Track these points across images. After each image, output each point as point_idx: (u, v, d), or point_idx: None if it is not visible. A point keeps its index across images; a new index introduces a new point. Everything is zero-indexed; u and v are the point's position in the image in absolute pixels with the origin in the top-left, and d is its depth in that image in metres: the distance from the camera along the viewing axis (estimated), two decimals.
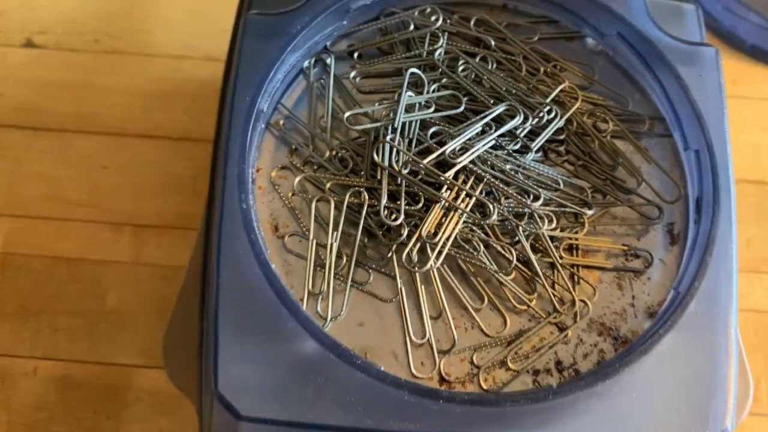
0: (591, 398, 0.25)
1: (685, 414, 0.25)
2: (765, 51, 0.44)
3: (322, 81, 0.33)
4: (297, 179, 0.30)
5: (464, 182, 0.29)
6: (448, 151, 0.29)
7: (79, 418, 0.36)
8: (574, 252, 0.30)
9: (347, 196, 0.29)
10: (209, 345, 0.26)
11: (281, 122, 0.32)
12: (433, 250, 0.28)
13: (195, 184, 0.41)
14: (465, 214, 0.29)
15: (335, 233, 0.29)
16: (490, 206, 0.29)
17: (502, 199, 0.29)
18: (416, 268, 0.28)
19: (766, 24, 0.44)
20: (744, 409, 0.31)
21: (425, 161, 0.29)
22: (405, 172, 0.29)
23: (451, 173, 0.29)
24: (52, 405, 0.36)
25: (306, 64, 0.33)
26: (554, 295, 0.29)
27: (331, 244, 0.29)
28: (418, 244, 0.28)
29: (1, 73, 0.43)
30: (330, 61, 0.33)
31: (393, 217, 0.29)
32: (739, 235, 0.39)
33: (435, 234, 0.28)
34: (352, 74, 0.32)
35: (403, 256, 0.28)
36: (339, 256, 0.30)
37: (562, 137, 0.31)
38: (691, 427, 0.25)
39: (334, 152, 0.31)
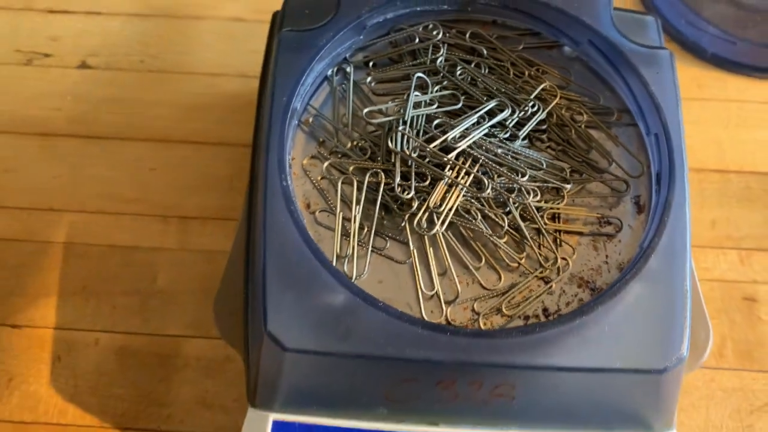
0: (571, 331, 0.31)
1: (648, 342, 0.31)
2: (724, 59, 0.50)
3: (344, 86, 0.39)
4: (325, 165, 0.36)
5: (463, 163, 0.35)
6: (449, 138, 0.35)
7: (135, 382, 0.41)
8: (557, 219, 0.36)
9: (367, 177, 0.35)
10: (258, 295, 0.32)
11: (310, 120, 0.38)
12: (438, 218, 0.34)
13: (231, 181, 0.47)
14: (465, 189, 0.35)
15: (358, 207, 0.35)
16: (486, 182, 0.34)
17: (495, 176, 0.35)
18: (425, 233, 0.34)
19: (723, 36, 0.50)
20: (705, 350, 0.36)
21: (431, 146, 0.35)
22: (414, 155, 0.35)
23: (452, 155, 0.35)
24: (111, 371, 0.42)
25: (330, 72, 0.39)
26: (540, 255, 0.34)
27: (354, 217, 0.35)
28: (427, 214, 0.34)
29: (59, 91, 0.50)
30: (350, 69, 0.39)
31: (405, 192, 0.35)
32: (704, 217, 0.46)
33: (440, 205, 0.34)
34: (368, 79, 0.39)
35: (415, 223, 0.34)
36: (361, 227, 0.35)
37: (544, 127, 0.37)
38: (653, 351, 0.31)
39: (355, 143, 0.37)
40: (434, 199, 0.34)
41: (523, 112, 0.37)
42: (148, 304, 0.43)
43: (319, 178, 0.36)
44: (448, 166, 0.35)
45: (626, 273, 0.32)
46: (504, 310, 0.33)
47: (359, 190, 0.35)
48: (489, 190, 0.34)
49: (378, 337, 0.31)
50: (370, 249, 0.35)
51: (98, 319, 0.43)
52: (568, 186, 0.35)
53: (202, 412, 0.40)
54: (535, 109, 0.37)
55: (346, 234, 0.35)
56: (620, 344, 0.31)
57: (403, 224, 0.35)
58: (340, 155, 0.37)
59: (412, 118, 0.36)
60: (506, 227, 0.34)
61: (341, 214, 0.35)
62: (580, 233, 0.35)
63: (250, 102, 0.47)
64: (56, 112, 0.49)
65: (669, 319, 0.31)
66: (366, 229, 0.35)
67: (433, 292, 0.34)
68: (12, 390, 0.41)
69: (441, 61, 0.38)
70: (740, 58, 0.50)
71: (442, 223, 0.34)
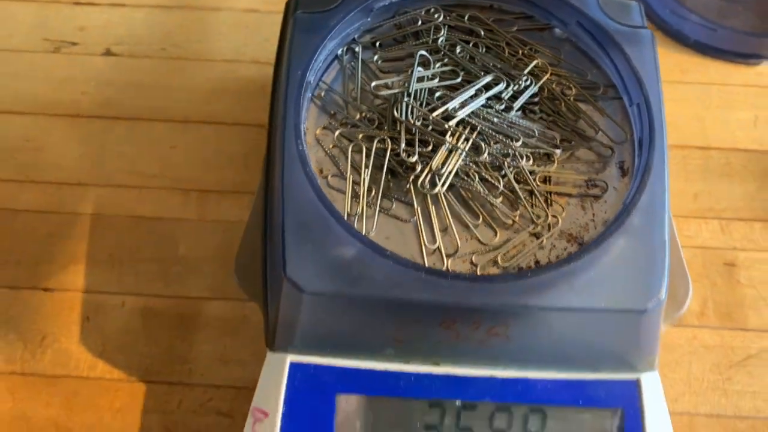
0: (560, 276, 0.34)
1: (630, 286, 0.34)
2: (706, 45, 0.54)
3: (352, 64, 0.42)
4: (336, 133, 0.40)
5: (463, 130, 0.38)
6: (450, 108, 0.39)
7: (158, 340, 0.44)
8: (548, 182, 0.39)
9: (375, 144, 0.39)
10: (278, 246, 0.35)
11: (322, 94, 0.41)
12: (440, 179, 0.38)
13: (247, 159, 0.50)
14: (464, 153, 0.38)
15: (366, 171, 0.38)
16: (483, 146, 0.38)
17: (492, 142, 0.39)
18: (428, 192, 0.37)
19: (705, 23, 0.54)
20: (685, 303, 0.39)
21: (433, 115, 0.39)
22: (418, 124, 0.39)
23: (453, 123, 0.38)
24: (137, 330, 0.45)
25: (339, 51, 0.42)
26: (533, 213, 0.38)
27: (363, 180, 0.38)
28: (429, 175, 0.38)
29: (85, 77, 0.53)
30: (358, 49, 0.42)
31: (410, 157, 0.38)
32: (687, 190, 0.49)
33: (441, 168, 0.38)
34: (375, 57, 0.42)
35: (419, 184, 0.37)
36: (369, 190, 0.39)
37: (536, 99, 0.41)
38: (635, 294, 0.34)
39: (363, 114, 0.40)
40: (436, 162, 0.38)
41: (517, 86, 0.40)
42: (170, 270, 0.46)
43: (330, 146, 0.40)
44: (449, 133, 0.38)
45: (611, 226, 0.35)
46: (500, 261, 0.37)
47: (367, 156, 0.39)
48: (486, 155, 0.38)
49: (386, 282, 0.34)
50: (377, 209, 0.38)
51: (124, 283, 0.46)
52: (558, 151, 0.39)
53: (220, 366, 0.44)
54: (528, 83, 0.40)
55: (356, 196, 0.38)
56: (605, 288, 0.34)
57: (407, 186, 0.38)
58: (349, 125, 0.40)
59: (416, 91, 0.40)
60: (501, 188, 0.38)
61: (351, 177, 0.38)
62: (569, 195, 0.39)
63: (264, 86, 0.51)
64: (83, 95, 0.53)
65: (649, 267, 0.34)
66: (374, 191, 0.38)
67: (435, 246, 0.37)
68: (45, 348, 0.44)
69: (442, 41, 0.42)
70: (721, 45, 0.54)
71: (443, 183, 0.37)
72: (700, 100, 0.52)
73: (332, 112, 0.41)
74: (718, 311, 0.45)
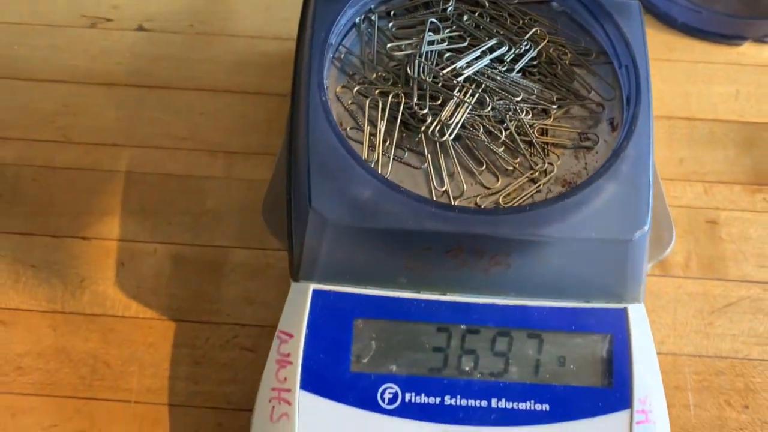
0: (556, 210, 0.38)
1: (618, 220, 0.38)
2: (692, 27, 0.58)
3: (369, 30, 0.46)
4: (354, 90, 0.44)
5: (470, 86, 0.43)
6: (457, 67, 0.43)
7: (188, 284, 0.48)
8: (545, 134, 0.43)
9: (389, 98, 0.43)
10: (304, 184, 0.39)
11: (342, 56, 0.45)
12: (448, 129, 0.42)
13: (269, 124, 0.54)
14: (470, 107, 0.42)
15: (382, 122, 0.43)
16: (487, 100, 0.42)
17: (495, 97, 0.43)
18: (437, 140, 0.41)
19: (691, 6, 0.58)
20: (669, 245, 0.43)
21: (443, 72, 0.43)
22: (429, 80, 0.43)
23: (460, 79, 0.43)
24: (168, 275, 0.49)
25: (357, 20, 0.46)
26: (531, 161, 0.42)
27: (379, 130, 0.43)
28: (439, 126, 0.42)
29: (119, 49, 0.58)
30: (374, 17, 0.47)
31: (421, 110, 0.42)
32: (673, 156, 0.53)
33: (450, 119, 0.42)
34: (390, 25, 0.46)
35: (429, 132, 0.41)
36: (384, 140, 0.43)
37: (535, 63, 0.45)
38: (621, 225, 0.38)
39: (379, 74, 0.45)
40: (445, 114, 0.42)
41: (518, 50, 0.45)
42: (199, 221, 0.50)
43: (349, 102, 0.44)
44: (457, 89, 0.42)
45: (601, 168, 0.39)
46: (501, 202, 0.41)
47: (383, 110, 0.43)
48: (489, 108, 0.42)
49: (400, 214, 0.38)
50: (392, 157, 0.42)
51: (156, 233, 0.50)
52: (555, 106, 0.43)
53: (245, 307, 0.47)
54: (528, 47, 0.45)
55: (372, 146, 0.42)
56: (595, 221, 0.38)
57: (419, 138, 0.42)
58: (366, 84, 0.44)
59: (427, 52, 0.44)
60: (503, 138, 0.42)
61: (368, 129, 0.42)
62: (564, 146, 0.43)
63: (284, 60, 0.55)
64: (117, 66, 0.57)
65: (635, 203, 0.39)
66: (388, 142, 0.42)
67: (443, 189, 0.41)
68: (83, 289, 0.48)
69: (450, 10, 0.46)
70: (706, 27, 0.58)
71: (451, 133, 0.41)
72: (686, 77, 0.57)
73: (351, 72, 0.45)
74: (701, 263, 0.49)
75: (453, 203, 0.40)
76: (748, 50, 0.59)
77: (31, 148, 0.53)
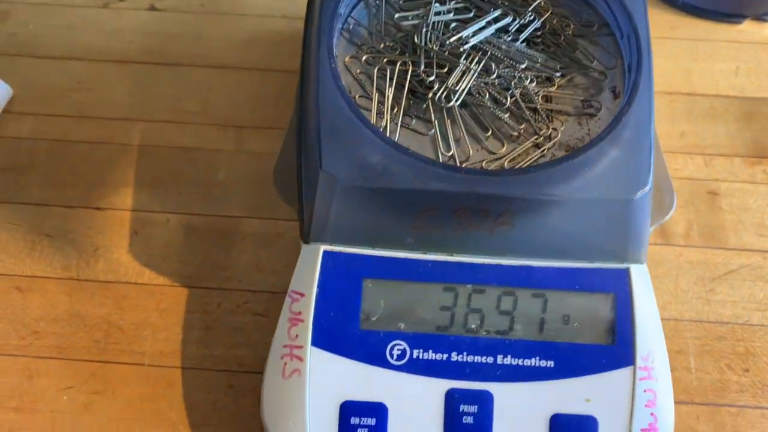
0: (560, 170, 0.39)
1: (620, 180, 0.39)
2: (693, 6, 0.60)
3: (377, 2, 0.48)
4: (363, 59, 0.45)
5: (476, 54, 0.44)
6: (463, 35, 0.44)
7: (199, 252, 0.49)
8: (549, 101, 0.44)
9: (397, 66, 0.44)
10: (314, 147, 0.40)
11: (350, 27, 0.47)
12: (454, 95, 0.43)
13: (277, 99, 0.55)
14: (476, 74, 0.43)
15: (390, 89, 0.44)
16: (493, 67, 0.43)
17: (500, 65, 0.44)
18: (444, 105, 0.42)
19: None
20: (670, 210, 0.44)
21: (449, 40, 0.44)
22: (436, 48, 0.44)
23: (467, 47, 0.44)
24: (179, 243, 0.50)
25: None
26: (536, 127, 0.43)
27: (387, 97, 0.44)
28: (446, 92, 0.43)
29: (132, 28, 0.59)
30: None
31: (428, 77, 0.43)
32: (674, 130, 0.54)
33: (456, 86, 0.43)
34: None
35: (436, 98, 0.43)
36: (392, 108, 0.44)
37: (539, 33, 0.46)
38: (624, 185, 0.39)
39: (386, 44, 0.46)
40: (451, 81, 0.43)
41: (522, 20, 0.46)
42: (210, 192, 0.52)
43: (357, 72, 0.45)
44: (463, 56, 0.43)
45: (603, 131, 0.40)
46: (506, 167, 0.42)
47: (391, 78, 0.44)
48: (495, 75, 0.43)
49: (408, 175, 0.39)
50: (399, 123, 0.43)
51: (168, 203, 0.51)
52: (558, 74, 0.44)
53: (256, 274, 0.49)
54: (532, 18, 0.46)
55: (380, 113, 0.43)
56: (598, 182, 0.39)
57: (426, 105, 0.43)
58: (375, 53, 0.45)
59: (434, 22, 0.45)
60: (508, 104, 0.43)
61: (376, 97, 0.44)
62: (568, 113, 0.44)
63: (292, 38, 0.57)
64: (129, 44, 0.58)
65: (636, 165, 0.40)
66: (396, 109, 0.43)
67: (450, 154, 0.42)
68: (98, 257, 0.49)
69: None
70: (707, 6, 0.59)
71: (458, 99, 0.43)
72: (687, 54, 0.58)
73: (359, 43, 0.46)
74: (701, 232, 0.50)
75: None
76: (748, 28, 0.60)
77: (46, 122, 0.55)
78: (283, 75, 0.57)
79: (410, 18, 0.46)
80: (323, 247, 0.41)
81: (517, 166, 0.41)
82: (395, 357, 0.40)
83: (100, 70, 0.57)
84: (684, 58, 0.58)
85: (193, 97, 0.56)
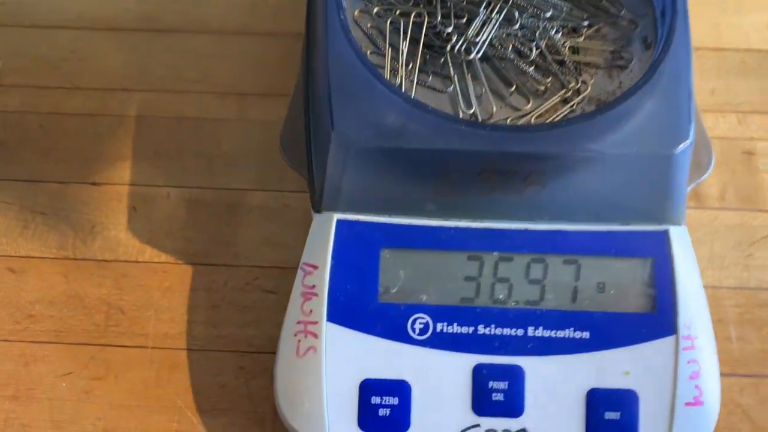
0: (594, 124, 0.36)
1: (659, 132, 0.36)
2: None
3: None
4: (375, 10, 0.42)
5: (497, 1, 0.41)
6: None
7: (204, 227, 0.46)
8: (576, 52, 0.41)
9: (411, 17, 0.41)
10: (325, 107, 0.37)
11: None
12: (475, 47, 0.40)
13: (280, 65, 0.52)
14: (498, 23, 0.40)
15: (404, 43, 0.41)
16: (516, 15, 0.40)
17: (524, 14, 0.41)
18: (464, 58, 0.39)
19: None
20: (709, 168, 0.42)
21: None
22: None
23: None
24: (182, 218, 0.47)
25: None
26: (564, 79, 0.40)
27: (402, 51, 0.41)
28: (465, 44, 0.40)
29: None
30: None
31: (446, 28, 0.40)
32: (704, 87, 0.51)
33: (476, 37, 0.40)
34: None
35: (456, 50, 0.39)
36: (407, 63, 0.41)
37: None
38: (663, 139, 0.36)
39: None
40: (471, 31, 0.40)
41: None
42: (213, 164, 0.48)
43: (368, 25, 0.42)
44: (483, 5, 0.40)
45: (639, 80, 0.37)
46: (532, 122, 0.39)
47: (404, 31, 0.41)
48: (518, 25, 0.40)
49: (428, 134, 0.36)
50: (415, 81, 0.40)
51: (169, 176, 0.48)
52: (586, 23, 0.41)
53: (265, 249, 0.46)
54: None
55: (394, 70, 0.40)
56: (636, 134, 0.36)
57: (443, 60, 0.40)
58: (386, 5, 0.42)
59: None
60: (533, 55, 0.40)
61: (390, 49, 0.40)
62: (597, 65, 0.41)
63: (295, 1, 0.53)
64: (124, 11, 0.55)
65: (676, 116, 0.36)
66: (411, 65, 0.40)
67: (471, 112, 0.39)
68: (95, 235, 0.46)
69: None
70: None
71: (479, 51, 0.39)
72: (716, 6, 0.55)
73: None
74: (738, 195, 0.47)
75: None
76: None
77: (37, 95, 0.51)
78: (287, 39, 0.53)
79: None
80: (337, 216, 0.38)
81: (546, 120, 0.39)
82: (417, 331, 0.37)
83: (93, 39, 0.54)
84: (712, 12, 0.54)
85: (193, 64, 0.52)
